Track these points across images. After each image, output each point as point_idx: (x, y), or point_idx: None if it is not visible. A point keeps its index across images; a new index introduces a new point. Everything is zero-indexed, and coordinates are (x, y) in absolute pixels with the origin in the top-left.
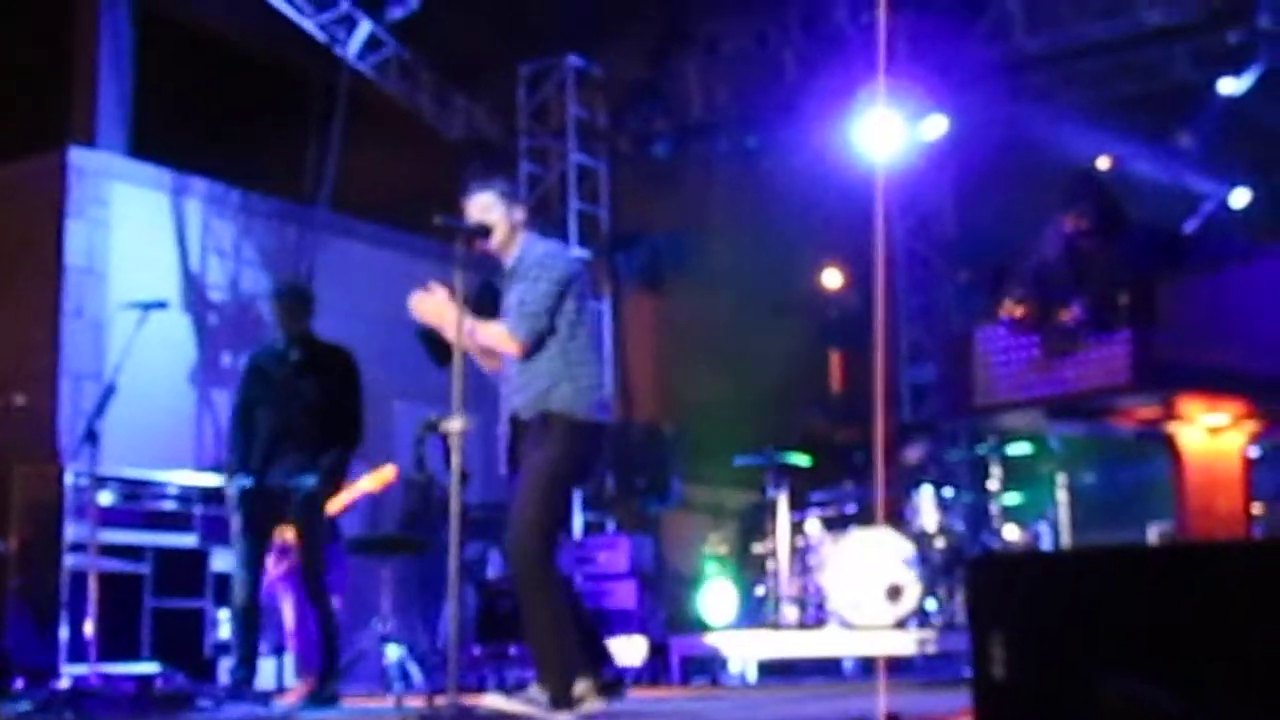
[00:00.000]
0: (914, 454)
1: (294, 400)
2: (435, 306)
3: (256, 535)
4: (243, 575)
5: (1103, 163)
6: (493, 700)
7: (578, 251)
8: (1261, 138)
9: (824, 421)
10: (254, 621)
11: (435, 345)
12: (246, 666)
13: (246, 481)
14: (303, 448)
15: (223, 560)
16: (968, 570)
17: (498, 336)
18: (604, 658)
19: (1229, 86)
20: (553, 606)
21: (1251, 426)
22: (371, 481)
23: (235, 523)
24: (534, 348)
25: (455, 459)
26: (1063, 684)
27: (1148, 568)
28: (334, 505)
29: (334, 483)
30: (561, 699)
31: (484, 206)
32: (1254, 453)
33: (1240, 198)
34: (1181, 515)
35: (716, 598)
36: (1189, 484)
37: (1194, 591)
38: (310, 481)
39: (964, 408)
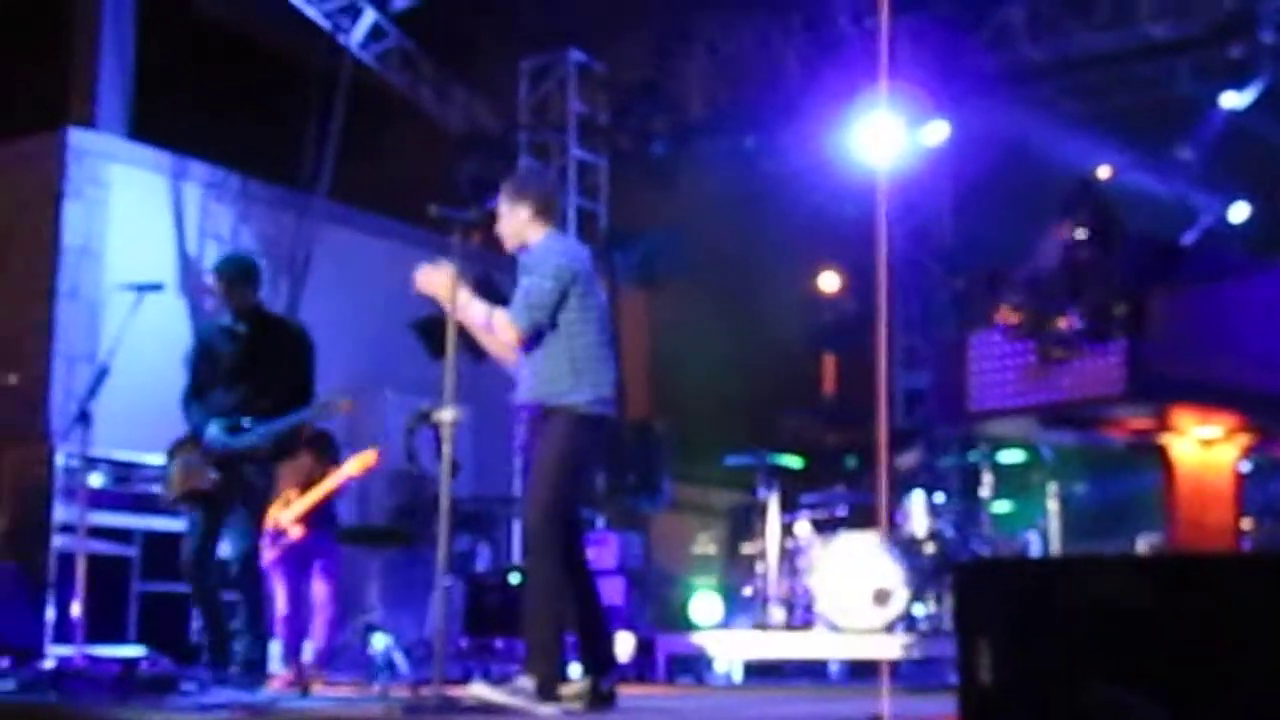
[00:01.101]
0: (909, 460)
1: (244, 376)
2: (440, 280)
3: (204, 507)
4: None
5: (1102, 172)
6: (478, 690)
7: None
8: (1262, 153)
9: (816, 424)
10: (203, 597)
11: (430, 337)
12: (215, 651)
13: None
14: (256, 422)
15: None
16: (956, 575)
17: (499, 320)
18: (607, 666)
19: (1231, 101)
20: (550, 598)
21: (1243, 440)
22: (354, 465)
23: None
24: (533, 339)
25: (446, 450)
26: (1048, 690)
27: (1136, 576)
28: (318, 492)
29: (278, 445)
30: (548, 689)
31: (498, 212)
32: (1245, 467)
33: (1239, 212)
34: (1171, 527)
35: (703, 603)
36: (1180, 496)
37: (1182, 602)
38: (251, 438)
39: (957, 414)
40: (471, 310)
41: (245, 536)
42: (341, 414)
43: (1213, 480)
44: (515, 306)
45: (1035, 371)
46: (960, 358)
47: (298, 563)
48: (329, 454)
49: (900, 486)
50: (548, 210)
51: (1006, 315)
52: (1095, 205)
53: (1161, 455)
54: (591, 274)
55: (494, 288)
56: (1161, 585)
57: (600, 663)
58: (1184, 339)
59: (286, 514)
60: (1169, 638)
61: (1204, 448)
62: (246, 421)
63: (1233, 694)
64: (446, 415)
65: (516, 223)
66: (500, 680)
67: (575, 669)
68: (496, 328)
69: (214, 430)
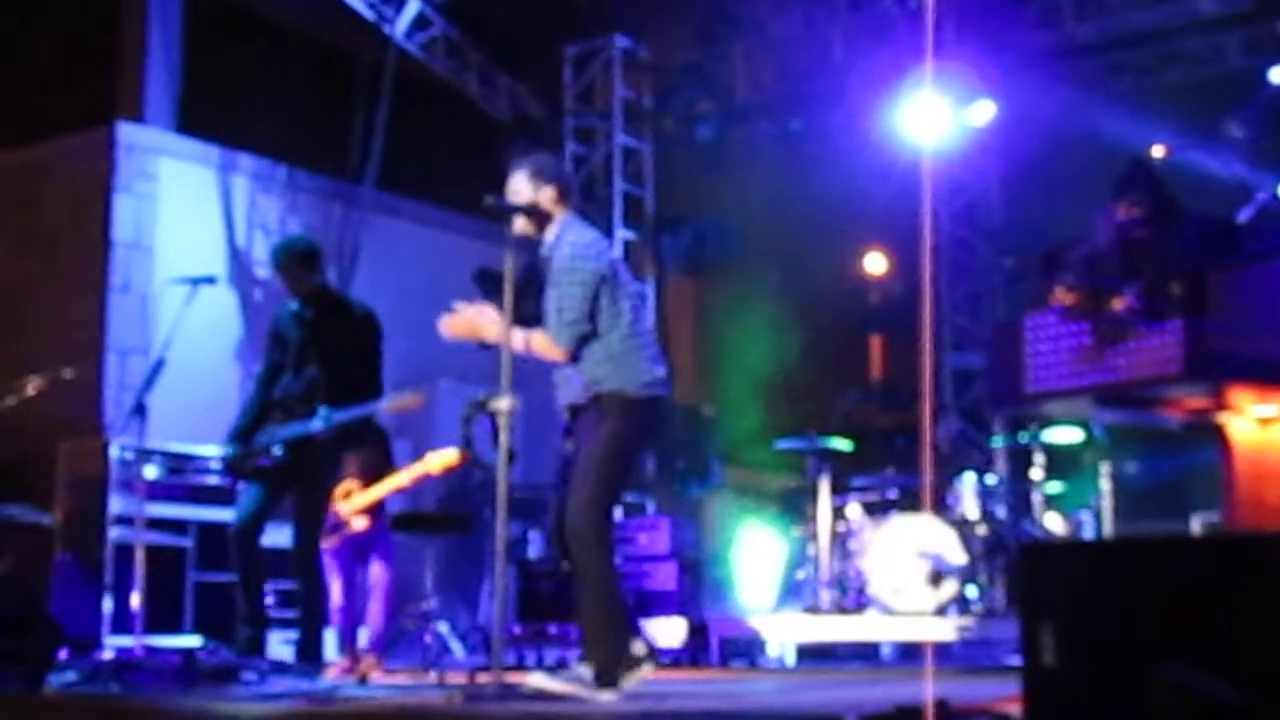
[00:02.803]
0: (944, 432)
1: (311, 359)
2: (464, 324)
3: (264, 484)
4: (236, 521)
5: (1157, 151)
6: (537, 679)
7: (622, 233)
8: None
9: (865, 407)
10: (248, 577)
11: (492, 286)
12: (250, 625)
13: (232, 450)
14: (321, 403)
15: (266, 535)
16: (1020, 558)
17: (541, 345)
18: (631, 630)
19: None
20: (606, 582)
21: None
22: (436, 463)
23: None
24: (579, 350)
25: (503, 438)
26: (1113, 672)
27: (1200, 557)
28: (389, 485)
29: (347, 434)
30: (607, 676)
31: (515, 189)
32: None
33: None
34: (1229, 506)
35: (755, 582)
36: (1238, 475)
37: (1246, 582)
38: (314, 426)
39: (1014, 395)
40: (514, 340)
41: (307, 524)
42: (411, 409)
43: (1271, 459)
44: (552, 325)
45: (1092, 352)
46: (1016, 339)
47: (355, 552)
48: (385, 446)
49: (951, 468)
50: (569, 196)
51: (1062, 296)
52: (1150, 184)
53: (1219, 434)
54: (617, 265)
55: (541, 275)
56: (1225, 565)
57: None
58: (1241, 317)
59: (348, 505)
60: (1233, 618)
61: (1262, 426)
62: (316, 406)
63: None
64: (503, 404)
65: (544, 201)
66: (556, 666)
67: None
68: (540, 351)
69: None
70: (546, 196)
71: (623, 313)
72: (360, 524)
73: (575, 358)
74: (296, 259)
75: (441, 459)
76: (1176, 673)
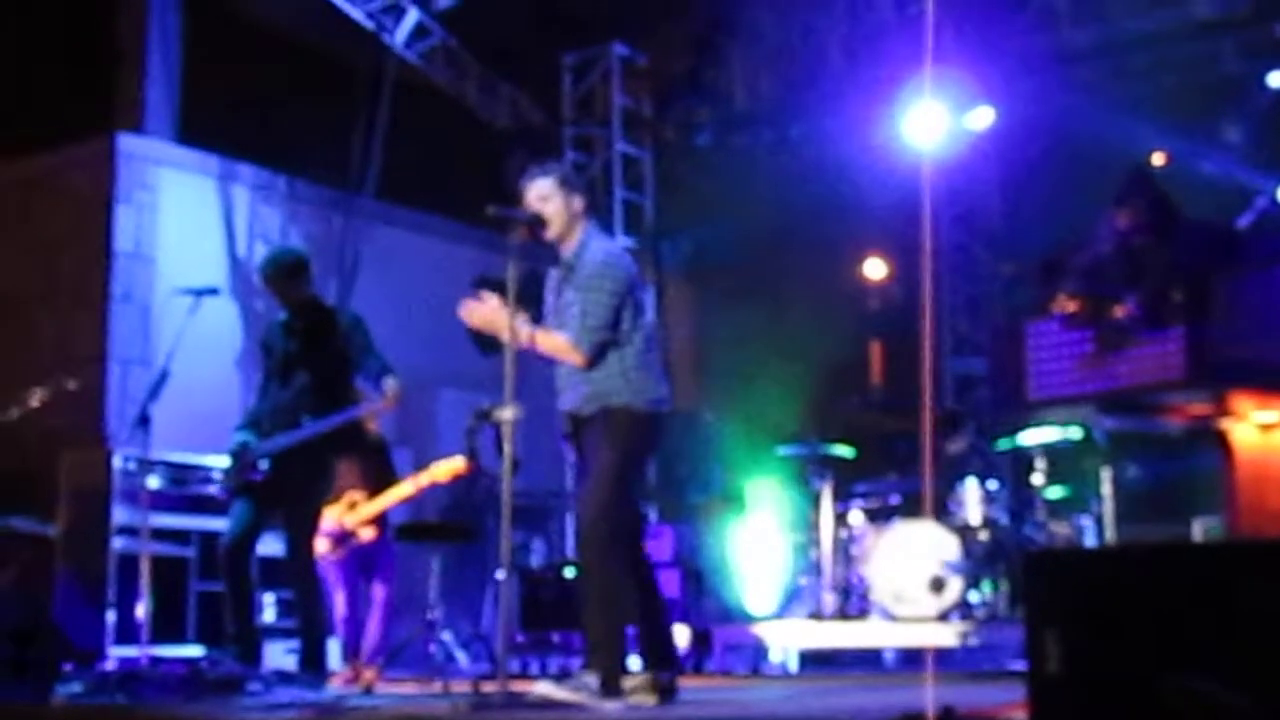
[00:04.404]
0: (956, 444)
1: (299, 370)
2: (486, 314)
3: (253, 498)
4: (226, 537)
5: (1157, 159)
6: (543, 688)
7: (622, 241)
8: None
9: (866, 413)
10: (237, 594)
11: (481, 335)
12: (238, 643)
13: (243, 437)
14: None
15: (268, 544)
16: (1025, 565)
17: (559, 348)
18: (668, 659)
19: (1278, 80)
20: (612, 594)
21: None
22: (442, 472)
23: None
24: (597, 358)
25: (507, 448)
26: (1118, 678)
27: (1204, 563)
28: (395, 495)
29: (333, 443)
30: (611, 685)
31: (542, 194)
32: None
33: None
34: (1231, 511)
35: (758, 589)
36: (1240, 480)
37: (1249, 587)
38: (297, 436)
39: (1016, 401)
40: (536, 339)
41: (299, 535)
42: (389, 408)
43: (1273, 464)
44: (576, 330)
45: (1094, 359)
46: (1018, 346)
47: (360, 563)
48: (385, 455)
49: (952, 473)
50: (592, 208)
51: (1064, 304)
52: (1151, 192)
53: (1221, 440)
54: (637, 279)
55: (540, 284)
56: (1229, 571)
57: (661, 656)
58: (1243, 323)
59: (354, 516)
60: (1236, 623)
61: (1264, 432)
62: (304, 417)
63: None
64: (507, 414)
65: (571, 212)
66: (560, 675)
67: (634, 661)
68: (558, 354)
69: (242, 437)
70: (576, 204)
71: (640, 327)
72: (368, 534)
73: (589, 366)
74: (284, 272)
75: (449, 467)
76: (1189, 680)
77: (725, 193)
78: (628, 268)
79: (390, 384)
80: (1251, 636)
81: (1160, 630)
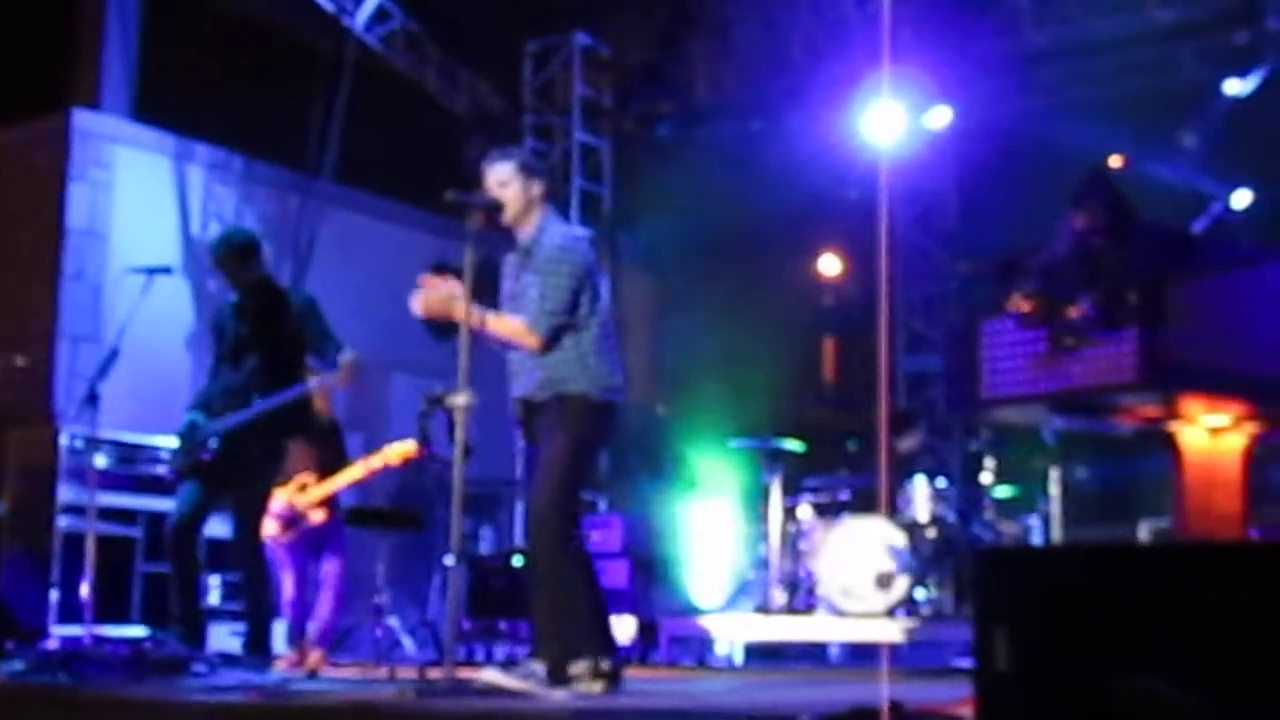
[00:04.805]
0: (910, 442)
1: (248, 351)
2: (440, 301)
3: (202, 479)
4: (173, 518)
5: (1115, 161)
6: (489, 675)
7: (578, 230)
8: (1266, 140)
9: (818, 408)
10: (183, 575)
11: (435, 322)
12: (182, 624)
13: (193, 417)
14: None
15: (215, 526)
16: (974, 563)
17: (514, 331)
18: (608, 644)
19: (1234, 87)
20: (563, 584)
21: (1252, 428)
22: (395, 455)
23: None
24: (552, 342)
25: (459, 434)
26: (1065, 677)
27: (1152, 564)
28: (346, 478)
29: (282, 423)
30: (559, 674)
31: (501, 179)
32: None
33: (1241, 198)
34: (1179, 513)
35: (706, 581)
36: (1188, 483)
37: (1196, 588)
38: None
39: (969, 400)
40: (489, 323)
41: (247, 517)
42: (345, 382)
43: (1221, 468)
44: (533, 314)
45: (1047, 359)
46: (973, 345)
47: (310, 546)
48: (337, 438)
49: (902, 471)
50: (552, 194)
51: (1019, 303)
52: (1108, 194)
53: (1170, 442)
54: (595, 265)
55: (495, 272)
56: (1177, 572)
57: (599, 640)
58: (1196, 327)
59: (305, 498)
60: (1183, 624)
61: (1213, 436)
62: (255, 398)
63: (1249, 679)
64: (460, 400)
65: (529, 197)
66: (507, 663)
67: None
68: (513, 338)
69: (191, 418)
70: (535, 189)
71: (598, 313)
72: (318, 517)
73: (544, 350)
74: (235, 253)
75: (400, 450)
76: (1142, 681)
77: (684, 185)
78: (586, 253)
79: (346, 356)
80: (1199, 637)
81: (1109, 629)
